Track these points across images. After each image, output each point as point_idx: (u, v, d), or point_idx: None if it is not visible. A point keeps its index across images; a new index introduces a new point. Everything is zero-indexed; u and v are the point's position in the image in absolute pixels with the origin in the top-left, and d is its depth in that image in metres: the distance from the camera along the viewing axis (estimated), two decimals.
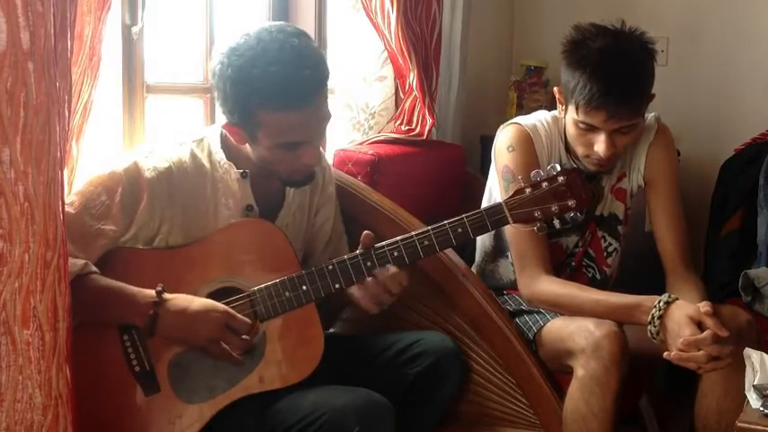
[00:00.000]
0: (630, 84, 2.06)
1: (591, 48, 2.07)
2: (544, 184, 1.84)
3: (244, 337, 1.73)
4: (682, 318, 1.88)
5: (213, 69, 1.79)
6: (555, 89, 2.22)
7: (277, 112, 1.75)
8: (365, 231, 1.84)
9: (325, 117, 1.83)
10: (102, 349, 1.72)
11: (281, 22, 1.86)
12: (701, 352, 1.82)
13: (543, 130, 2.23)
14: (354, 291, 1.85)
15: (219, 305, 1.73)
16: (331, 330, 2.14)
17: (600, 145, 2.09)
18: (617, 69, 2.04)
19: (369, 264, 1.81)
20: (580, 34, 2.11)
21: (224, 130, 1.88)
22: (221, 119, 1.88)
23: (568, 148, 2.24)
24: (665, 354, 1.87)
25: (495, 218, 1.84)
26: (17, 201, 1.30)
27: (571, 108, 2.10)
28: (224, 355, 1.73)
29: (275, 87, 1.72)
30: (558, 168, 1.85)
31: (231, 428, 1.76)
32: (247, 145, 1.84)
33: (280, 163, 1.83)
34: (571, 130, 2.15)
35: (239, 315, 1.74)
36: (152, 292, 1.70)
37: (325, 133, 1.85)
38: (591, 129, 2.09)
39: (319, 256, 2.04)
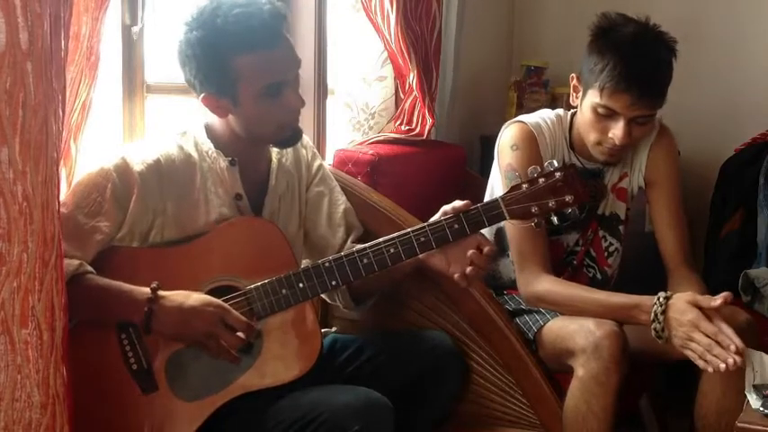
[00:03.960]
0: (658, 72, 2.09)
1: (622, 32, 2.09)
2: (541, 180, 1.83)
3: (239, 334, 1.73)
4: (683, 305, 1.89)
5: (178, 50, 1.82)
6: (573, 75, 2.22)
7: (251, 54, 1.77)
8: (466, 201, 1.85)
9: (297, 58, 1.86)
10: (99, 348, 1.72)
11: None
12: (727, 331, 1.83)
13: (547, 129, 2.23)
14: (439, 264, 1.86)
15: (215, 300, 1.73)
16: (332, 330, 2.14)
17: (617, 131, 2.09)
18: (648, 56, 2.07)
19: (365, 261, 1.81)
20: (608, 22, 2.13)
21: (210, 121, 1.88)
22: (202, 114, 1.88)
23: (572, 146, 2.25)
24: (701, 365, 1.86)
25: (492, 213, 1.83)
26: (15, 200, 1.30)
27: (592, 92, 2.10)
28: (220, 352, 1.73)
29: (243, 27, 1.75)
30: (556, 164, 1.84)
31: (230, 426, 1.76)
32: (231, 118, 1.85)
33: (267, 117, 1.83)
34: (587, 116, 2.14)
35: (235, 311, 1.74)
36: (147, 290, 1.69)
37: (299, 79, 1.89)
38: (610, 115, 2.09)
39: (324, 232, 2.04)
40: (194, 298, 1.72)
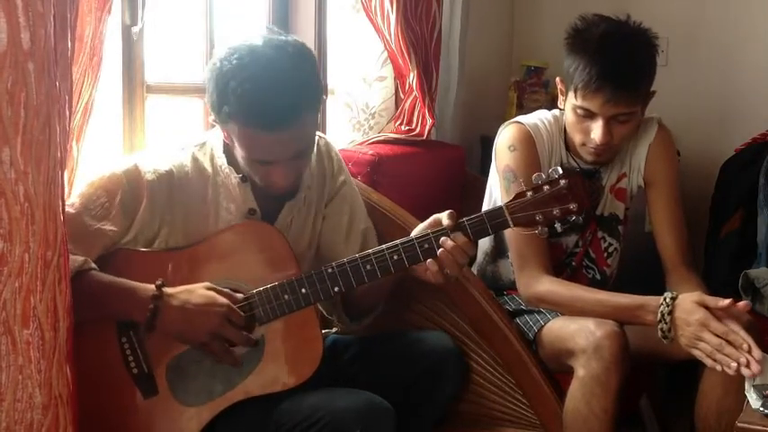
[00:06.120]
0: (630, 69, 2.07)
1: (593, 32, 2.10)
2: (546, 188, 1.80)
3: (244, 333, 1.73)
4: (690, 305, 1.89)
5: (209, 66, 1.78)
6: (557, 79, 2.24)
7: (244, 128, 1.72)
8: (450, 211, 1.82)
9: (301, 139, 1.78)
10: (100, 351, 1.72)
11: (289, 38, 1.79)
12: (742, 332, 1.82)
13: (544, 130, 2.23)
14: (416, 267, 1.82)
15: (220, 299, 1.72)
16: (333, 330, 2.14)
17: (596, 131, 2.10)
18: (617, 53, 2.06)
19: (369, 267, 1.79)
20: (584, 23, 2.14)
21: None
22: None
23: (569, 147, 2.25)
24: (710, 363, 1.85)
25: (496, 221, 1.81)
26: (17, 201, 1.30)
27: (571, 94, 2.12)
28: (223, 353, 1.73)
29: (244, 106, 1.69)
30: (560, 171, 1.81)
31: (231, 430, 1.76)
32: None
33: (254, 174, 1.82)
34: (570, 118, 2.15)
35: (238, 309, 1.74)
36: (152, 287, 1.69)
37: (306, 154, 1.83)
38: (589, 115, 2.10)
39: (339, 250, 1.99)
40: (199, 295, 1.71)
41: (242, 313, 1.74)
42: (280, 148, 1.75)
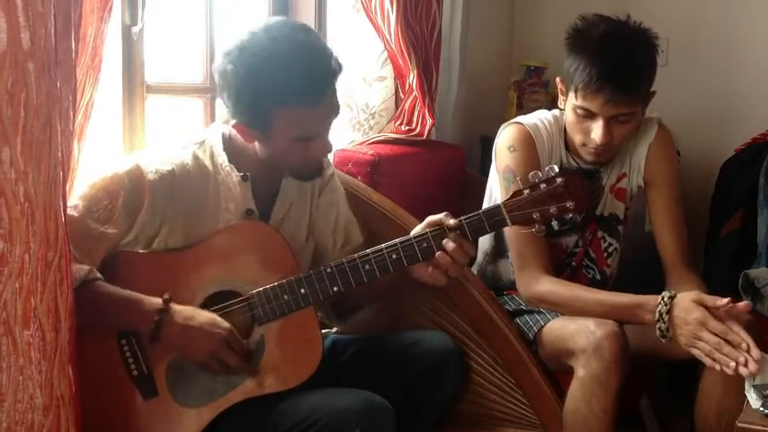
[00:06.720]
0: (630, 69, 2.08)
1: (594, 33, 2.10)
2: (542, 186, 1.82)
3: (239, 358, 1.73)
4: (688, 304, 1.89)
5: (221, 71, 1.77)
6: (557, 79, 2.24)
7: (294, 108, 1.75)
8: (445, 212, 1.83)
9: (337, 109, 1.84)
10: (100, 354, 1.72)
11: (282, 18, 1.83)
12: (741, 332, 1.82)
13: (544, 130, 2.24)
14: (417, 269, 1.83)
15: (224, 322, 1.73)
16: (333, 330, 2.14)
17: (596, 131, 2.10)
18: (618, 54, 2.07)
19: (367, 267, 1.79)
20: (585, 23, 2.14)
21: (228, 131, 1.87)
22: (221, 120, 1.87)
23: (569, 147, 2.25)
24: (708, 363, 1.85)
25: (494, 220, 1.82)
26: (17, 201, 1.30)
27: (571, 94, 2.12)
28: (220, 372, 1.73)
29: (295, 84, 1.72)
30: (557, 170, 1.83)
31: (231, 431, 1.76)
32: (257, 144, 1.84)
33: (292, 156, 1.83)
34: (570, 118, 2.16)
35: (239, 336, 1.74)
36: (159, 300, 1.70)
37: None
38: (589, 115, 2.10)
39: (326, 242, 2.01)
40: (204, 316, 1.72)
41: (243, 342, 1.75)
42: (324, 118, 1.82)
